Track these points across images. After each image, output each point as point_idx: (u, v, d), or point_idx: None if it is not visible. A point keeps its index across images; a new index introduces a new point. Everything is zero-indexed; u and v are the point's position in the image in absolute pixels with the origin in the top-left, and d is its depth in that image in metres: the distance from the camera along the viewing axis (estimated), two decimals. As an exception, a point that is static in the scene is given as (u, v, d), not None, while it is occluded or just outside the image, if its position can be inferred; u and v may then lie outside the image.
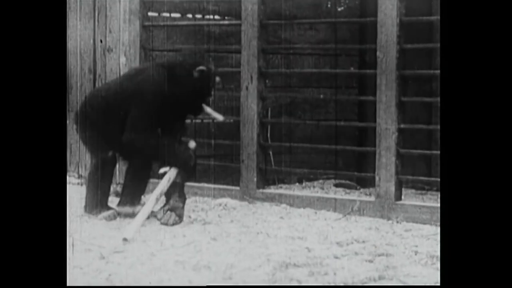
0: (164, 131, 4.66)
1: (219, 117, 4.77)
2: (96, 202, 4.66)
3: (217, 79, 4.68)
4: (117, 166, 4.96)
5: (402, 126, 4.82)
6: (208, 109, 4.71)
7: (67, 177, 5.69)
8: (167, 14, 5.85)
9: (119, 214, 4.70)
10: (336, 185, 5.89)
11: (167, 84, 4.45)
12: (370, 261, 3.80)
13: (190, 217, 4.75)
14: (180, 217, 4.54)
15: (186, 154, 4.55)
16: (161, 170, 4.58)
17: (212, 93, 4.69)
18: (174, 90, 4.49)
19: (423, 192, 5.81)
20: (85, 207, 4.72)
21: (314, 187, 5.91)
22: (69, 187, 4.96)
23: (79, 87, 5.96)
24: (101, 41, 5.66)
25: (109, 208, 4.69)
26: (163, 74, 4.52)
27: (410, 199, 5.15)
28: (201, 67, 4.55)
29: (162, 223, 4.48)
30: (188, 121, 5.02)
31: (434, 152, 5.74)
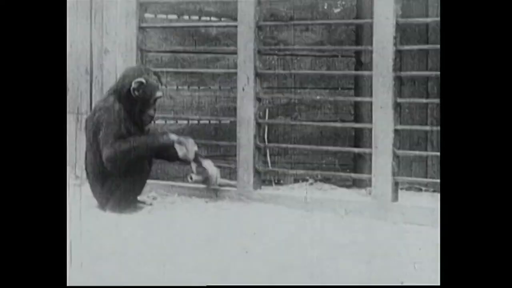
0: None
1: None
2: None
3: (159, 93, 4.93)
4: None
5: (398, 127, 4.84)
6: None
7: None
8: (163, 16, 5.85)
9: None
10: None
11: (117, 103, 4.82)
12: (367, 262, 3.80)
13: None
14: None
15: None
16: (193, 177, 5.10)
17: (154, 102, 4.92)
18: (124, 106, 4.84)
19: (420, 192, 5.81)
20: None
21: (311, 184, 5.91)
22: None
23: (75, 88, 5.96)
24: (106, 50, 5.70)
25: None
26: (112, 98, 4.87)
27: (407, 200, 5.16)
28: (139, 79, 4.84)
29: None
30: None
31: (431, 153, 5.76)
